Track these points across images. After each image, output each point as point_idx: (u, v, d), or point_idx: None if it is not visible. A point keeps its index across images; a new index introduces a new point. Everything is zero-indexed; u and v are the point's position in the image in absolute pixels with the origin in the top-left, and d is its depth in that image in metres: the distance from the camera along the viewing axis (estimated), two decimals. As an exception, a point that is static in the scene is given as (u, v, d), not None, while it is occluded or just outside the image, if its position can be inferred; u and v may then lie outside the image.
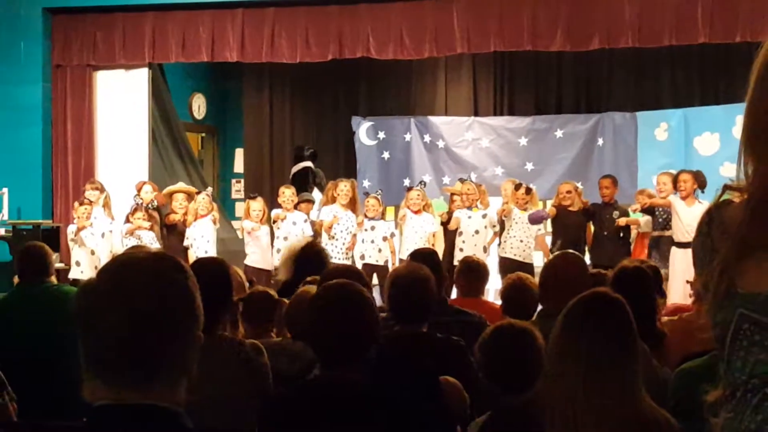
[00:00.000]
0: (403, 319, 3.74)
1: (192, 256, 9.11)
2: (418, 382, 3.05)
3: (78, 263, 9.49)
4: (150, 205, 9.82)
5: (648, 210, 9.38)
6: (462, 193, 10.16)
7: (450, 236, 9.98)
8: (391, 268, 9.40)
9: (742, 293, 1.31)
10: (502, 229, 9.91)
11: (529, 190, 9.86)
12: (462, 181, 10.42)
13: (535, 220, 9.66)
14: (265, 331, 4.23)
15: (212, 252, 9.51)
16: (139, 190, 10.02)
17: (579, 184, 10.57)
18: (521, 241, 9.69)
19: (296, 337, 3.84)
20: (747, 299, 1.30)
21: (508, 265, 9.11)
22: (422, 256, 4.85)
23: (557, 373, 2.41)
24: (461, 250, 9.56)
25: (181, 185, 10.42)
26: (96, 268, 8.75)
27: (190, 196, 10.02)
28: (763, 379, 1.29)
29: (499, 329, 3.05)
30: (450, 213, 10.08)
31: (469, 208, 9.91)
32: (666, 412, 2.49)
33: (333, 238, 9.74)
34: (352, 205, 9.96)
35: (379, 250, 9.83)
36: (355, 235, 9.87)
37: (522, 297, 4.54)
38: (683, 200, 8.83)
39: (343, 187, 9.97)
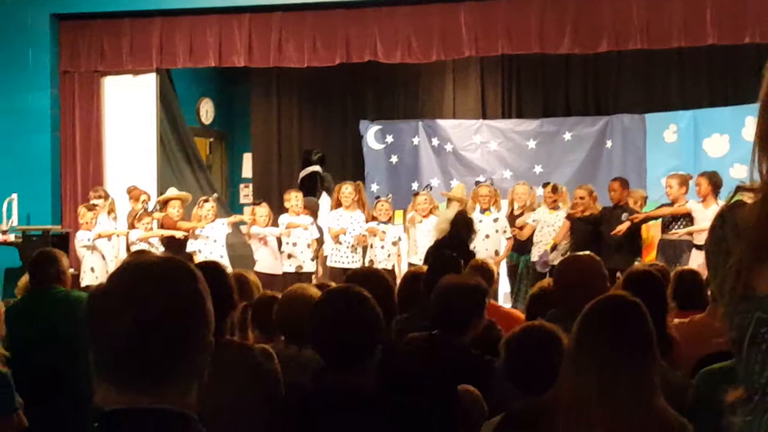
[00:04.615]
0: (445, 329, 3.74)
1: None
2: (434, 388, 3.05)
3: (93, 269, 9.44)
4: (155, 210, 9.82)
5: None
6: (460, 198, 10.08)
7: None
8: (398, 272, 9.35)
9: (759, 296, 1.28)
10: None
11: (555, 189, 9.74)
12: (477, 183, 10.25)
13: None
14: (274, 335, 4.20)
15: (225, 255, 9.51)
16: (134, 197, 10.04)
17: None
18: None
19: (289, 340, 3.82)
20: (765, 302, 1.28)
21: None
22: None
23: (574, 375, 2.40)
24: None
25: (174, 192, 10.31)
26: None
27: (184, 203, 9.98)
28: None
29: (530, 329, 3.05)
30: None
31: (483, 211, 9.73)
32: (679, 415, 2.47)
33: (339, 243, 9.75)
34: (360, 206, 9.94)
35: (389, 255, 9.76)
36: (364, 236, 9.83)
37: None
38: (701, 203, 8.78)
39: (345, 189, 9.95)
